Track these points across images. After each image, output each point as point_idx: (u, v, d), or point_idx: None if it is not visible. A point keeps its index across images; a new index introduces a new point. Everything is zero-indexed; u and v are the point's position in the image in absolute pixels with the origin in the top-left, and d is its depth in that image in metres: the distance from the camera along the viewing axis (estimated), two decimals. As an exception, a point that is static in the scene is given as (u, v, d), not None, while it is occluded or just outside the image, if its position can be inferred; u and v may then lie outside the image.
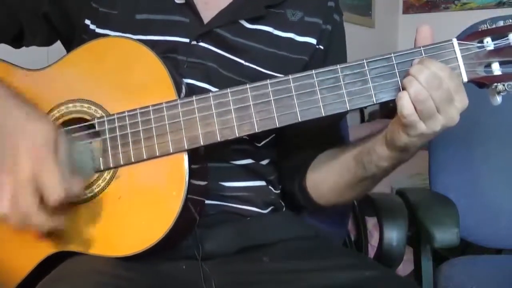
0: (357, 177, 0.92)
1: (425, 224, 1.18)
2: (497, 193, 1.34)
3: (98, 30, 0.94)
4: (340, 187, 0.96)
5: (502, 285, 1.16)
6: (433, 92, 0.76)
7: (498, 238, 1.34)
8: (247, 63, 0.95)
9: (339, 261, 0.90)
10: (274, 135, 0.99)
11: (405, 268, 1.74)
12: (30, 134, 0.76)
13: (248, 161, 0.97)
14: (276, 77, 0.83)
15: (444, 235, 1.16)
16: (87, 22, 0.95)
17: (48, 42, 1.03)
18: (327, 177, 0.98)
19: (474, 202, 1.33)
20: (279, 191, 1.04)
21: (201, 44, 0.94)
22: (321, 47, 1.00)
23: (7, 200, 0.74)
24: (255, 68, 0.95)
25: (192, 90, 0.89)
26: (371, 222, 1.71)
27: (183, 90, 0.86)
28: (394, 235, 1.13)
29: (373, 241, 1.73)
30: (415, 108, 0.77)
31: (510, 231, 1.32)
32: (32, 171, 0.75)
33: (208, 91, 0.92)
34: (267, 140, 0.99)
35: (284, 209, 1.03)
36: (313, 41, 0.99)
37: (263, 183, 1.00)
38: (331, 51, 1.01)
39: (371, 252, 1.51)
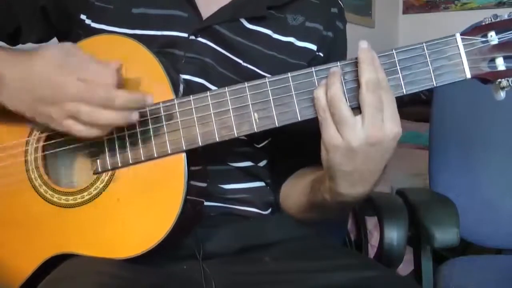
0: (309, 202, 0.92)
1: (425, 224, 1.18)
2: (497, 193, 1.34)
3: (94, 25, 0.93)
4: (298, 206, 0.96)
5: (502, 285, 1.16)
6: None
7: (498, 238, 1.34)
8: (245, 64, 0.94)
9: (339, 261, 0.89)
10: (270, 138, 0.98)
11: (405, 268, 1.74)
12: (48, 55, 0.79)
13: (247, 163, 0.97)
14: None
15: (444, 235, 1.16)
16: (83, 17, 0.94)
17: (44, 39, 1.02)
18: (292, 194, 0.98)
19: (474, 202, 1.33)
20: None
21: (200, 39, 0.93)
22: (321, 54, 0.99)
23: (84, 119, 0.76)
24: (253, 70, 0.94)
25: (189, 86, 0.89)
26: (371, 222, 1.71)
27: (180, 88, 0.85)
28: (394, 235, 1.12)
29: (373, 241, 1.73)
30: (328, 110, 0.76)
31: (510, 231, 1.32)
32: (77, 78, 0.76)
33: (204, 87, 0.91)
34: (265, 142, 0.98)
35: (283, 209, 1.03)
36: (313, 47, 0.98)
37: (262, 184, 1.00)
38: (331, 60, 0.99)
39: (371, 252, 1.52)
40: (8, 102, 0.82)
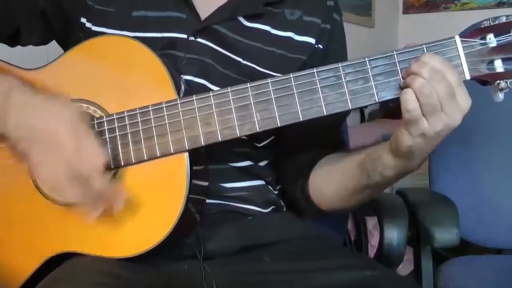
0: (360, 184, 0.91)
1: (425, 224, 1.18)
2: (497, 193, 1.33)
3: (95, 28, 0.93)
4: (343, 193, 0.95)
5: (502, 285, 1.16)
6: (436, 85, 0.75)
7: (498, 238, 1.34)
8: (244, 62, 0.94)
9: (339, 261, 0.90)
10: (273, 137, 0.98)
11: (405, 268, 1.74)
12: (57, 114, 0.79)
13: (247, 163, 0.97)
14: (274, 76, 0.82)
15: (444, 235, 1.16)
16: (83, 20, 0.94)
17: (44, 41, 1.02)
18: (330, 183, 0.96)
19: (474, 202, 1.33)
20: (277, 191, 1.03)
21: (199, 40, 0.94)
22: (320, 46, 0.99)
23: (73, 187, 0.76)
24: (252, 67, 0.94)
25: (190, 86, 0.89)
26: (371, 222, 1.71)
27: (182, 88, 0.86)
28: (394, 235, 1.12)
29: (373, 241, 1.73)
30: (419, 103, 0.76)
31: (510, 231, 1.32)
32: (75, 145, 0.76)
33: (205, 87, 0.92)
34: (266, 141, 0.98)
35: (285, 209, 1.03)
36: (312, 40, 0.98)
37: (262, 182, 1.00)
38: (331, 51, 1.00)
39: (371, 252, 1.52)
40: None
